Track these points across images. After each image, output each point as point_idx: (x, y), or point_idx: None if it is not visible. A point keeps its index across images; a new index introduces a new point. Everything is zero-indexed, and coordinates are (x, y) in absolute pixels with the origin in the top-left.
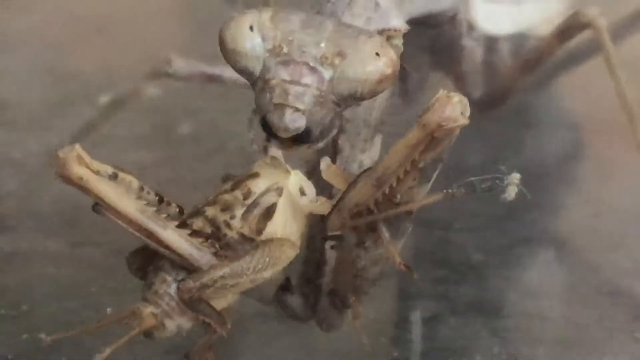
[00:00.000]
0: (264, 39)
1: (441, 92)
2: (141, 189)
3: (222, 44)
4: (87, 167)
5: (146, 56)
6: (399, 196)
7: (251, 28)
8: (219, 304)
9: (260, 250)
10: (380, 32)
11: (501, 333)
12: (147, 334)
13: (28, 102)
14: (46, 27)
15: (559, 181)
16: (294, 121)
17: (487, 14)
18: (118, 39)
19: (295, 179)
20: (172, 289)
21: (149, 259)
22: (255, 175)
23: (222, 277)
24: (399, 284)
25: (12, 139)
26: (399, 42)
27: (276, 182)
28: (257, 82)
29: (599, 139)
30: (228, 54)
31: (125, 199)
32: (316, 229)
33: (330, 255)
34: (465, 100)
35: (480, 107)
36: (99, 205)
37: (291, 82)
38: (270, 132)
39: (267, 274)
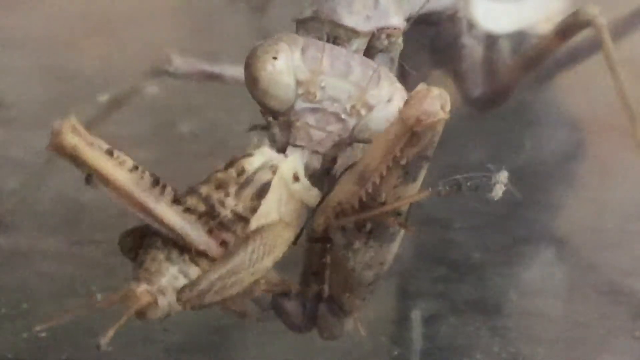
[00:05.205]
0: (297, 84)
1: (420, 86)
2: (135, 167)
3: (253, 81)
4: (82, 138)
5: (148, 54)
6: (383, 195)
7: (285, 69)
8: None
9: (252, 240)
10: (380, 30)
11: (501, 332)
12: (141, 314)
13: (28, 100)
14: (47, 25)
15: (560, 180)
16: (311, 163)
17: (487, 12)
18: (120, 37)
19: (291, 163)
20: (164, 267)
21: (141, 239)
22: (249, 154)
23: (220, 278)
24: (399, 283)
25: (11, 137)
26: (398, 40)
27: (270, 160)
28: (278, 117)
29: (600, 137)
30: (257, 92)
31: (119, 170)
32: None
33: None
34: (446, 95)
35: (481, 105)
36: (92, 177)
37: (316, 127)
38: None
39: (267, 263)
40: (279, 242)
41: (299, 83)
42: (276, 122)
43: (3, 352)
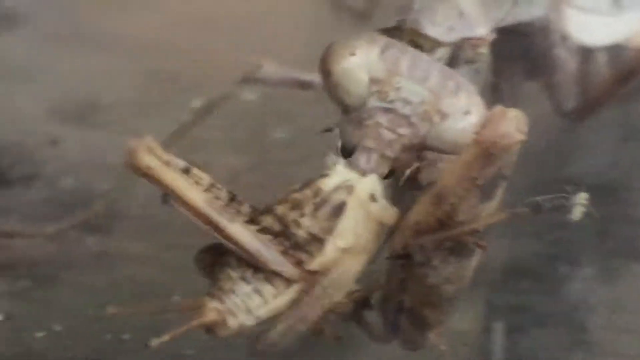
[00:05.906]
0: (372, 81)
1: (496, 108)
2: (212, 185)
3: (326, 74)
4: (157, 157)
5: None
6: (460, 215)
7: (360, 64)
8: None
9: (318, 284)
10: (464, 40)
11: (584, 346)
12: (209, 329)
13: (124, 104)
14: (149, 28)
15: None
16: (378, 167)
17: (581, 24)
18: (223, 43)
19: (368, 184)
20: (237, 286)
21: (217, 257)
22: (325, 175)
23: (289, 328)
24: (483, 294)
25: (106, 141)
26: (484, 50)
27: (346, 180)
28: (349, 112)
29: None
30: (329, 85)
31: (193, 190)
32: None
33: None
34: (522, 116)
35: (574, 117)
36: (168, 196)
37: (387, 128)
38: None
39: (339, 295)
40: (348, 275)
41: (373, 81)
42: (348, 118)
43: (87, 354)
